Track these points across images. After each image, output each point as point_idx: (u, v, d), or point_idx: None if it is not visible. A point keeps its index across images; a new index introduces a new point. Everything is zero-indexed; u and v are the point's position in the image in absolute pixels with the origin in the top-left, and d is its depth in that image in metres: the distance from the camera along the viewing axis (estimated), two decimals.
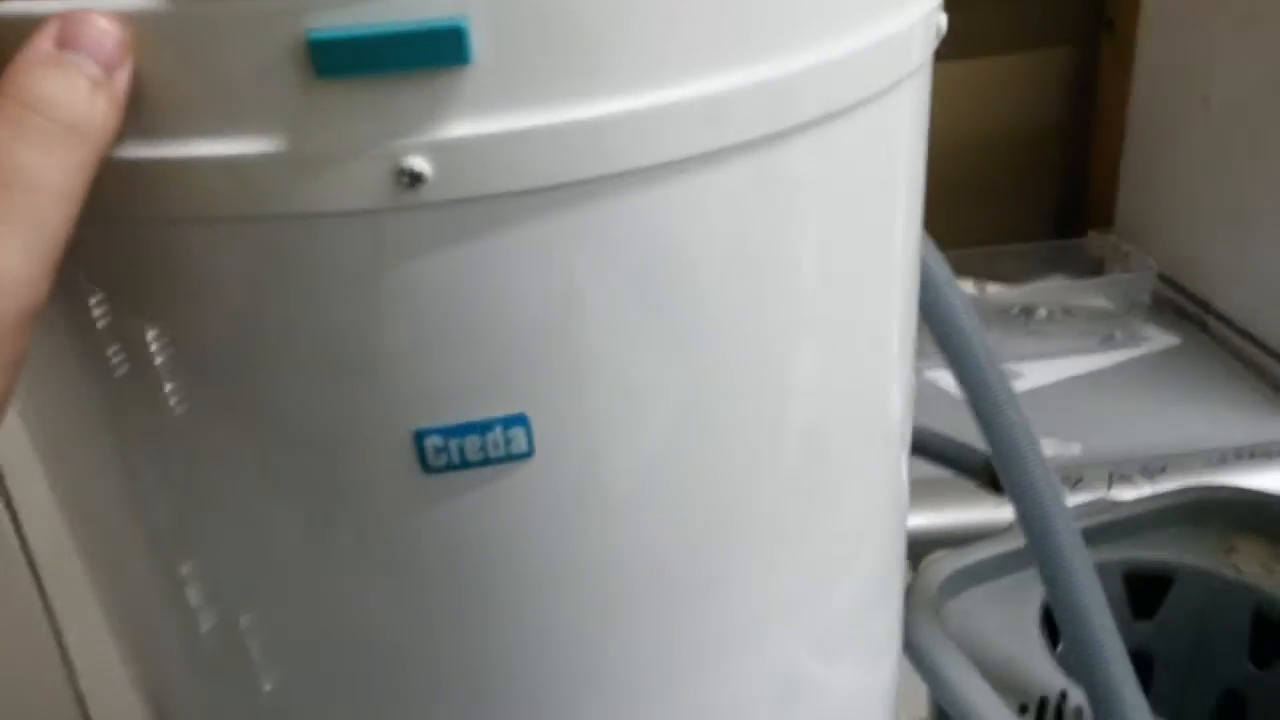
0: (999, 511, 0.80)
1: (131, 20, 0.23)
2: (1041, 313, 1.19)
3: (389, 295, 0.25)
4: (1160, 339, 1.14)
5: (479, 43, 0.23)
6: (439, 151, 0.23)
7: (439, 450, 0.27)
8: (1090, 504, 0.64)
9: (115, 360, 0.28)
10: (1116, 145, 1.33)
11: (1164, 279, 1.20)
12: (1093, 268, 1.30)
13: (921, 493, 0.93)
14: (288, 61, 0.22)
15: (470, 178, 0.24)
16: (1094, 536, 0.58)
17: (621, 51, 0.24)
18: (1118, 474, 0.95)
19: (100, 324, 0.27)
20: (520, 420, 0.27)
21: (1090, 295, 1.19)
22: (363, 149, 0.23)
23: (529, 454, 0.28)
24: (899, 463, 0.41)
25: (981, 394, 0.48)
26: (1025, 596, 0.59)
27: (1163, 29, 1.20)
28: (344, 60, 0.22)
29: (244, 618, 0.31)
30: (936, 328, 0.46)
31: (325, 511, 0.28)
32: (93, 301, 0.27)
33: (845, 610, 0.38)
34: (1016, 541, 0.59)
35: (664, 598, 0.31)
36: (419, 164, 0.23)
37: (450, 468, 0.27)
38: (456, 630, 0.29)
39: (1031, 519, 0.49)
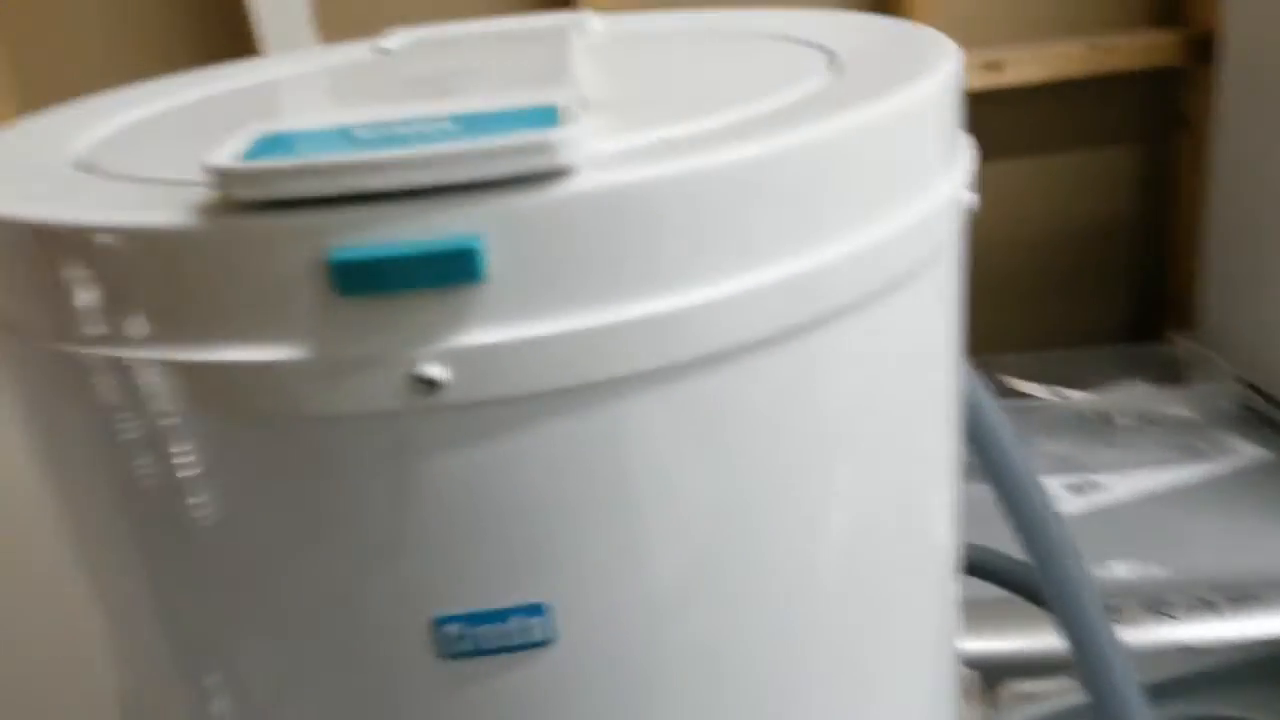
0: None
1: (170, 235, 0.24)
2: (1121, 421, 1.15)
3: (409, 489, 0.26)
4: (1248, 452, 1.09)
5: (491, 261, 0.24)
6: (455, 359, 0.24)
7: (457, 638, 0.27)
8: (1167, 652, 0.61)
9: (157, 528, 0.29)
10: (1194, 244, 1.30)
11: (1251, 387, 1.16)
12: (1173, 372, 1.26)
13: (990, 614, 0.90)
14: (311, 279, 0.23)
15: (485, 383, 0.24)
16: (1172, 689, 0.55)
17: (625, 266, 0.24)
18: (1202, 601, 0.91)
19: (143, 496, 0.28)
20: (538, 610, 0.27)
21: (1172, 404, 1.15)
22: (382, 358, 0.24)
23: (549, 642, 0.28)
24: (947, 588, 0.39)
25: (1023, 510, 0.46)
26: None
27: (1239, 125, 1.18)
28: (363, 280, 0.23)
29: None
30: (977, 448, 0.45)
31: (343, 692, 0.28)
32: (137, 474, 0.28)
33: None
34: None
35: None
36: (435, 371, 0.24)
37: (468, 654, 0.27)
38: None
39: (1077, 643, 0.47)
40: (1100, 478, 1.11)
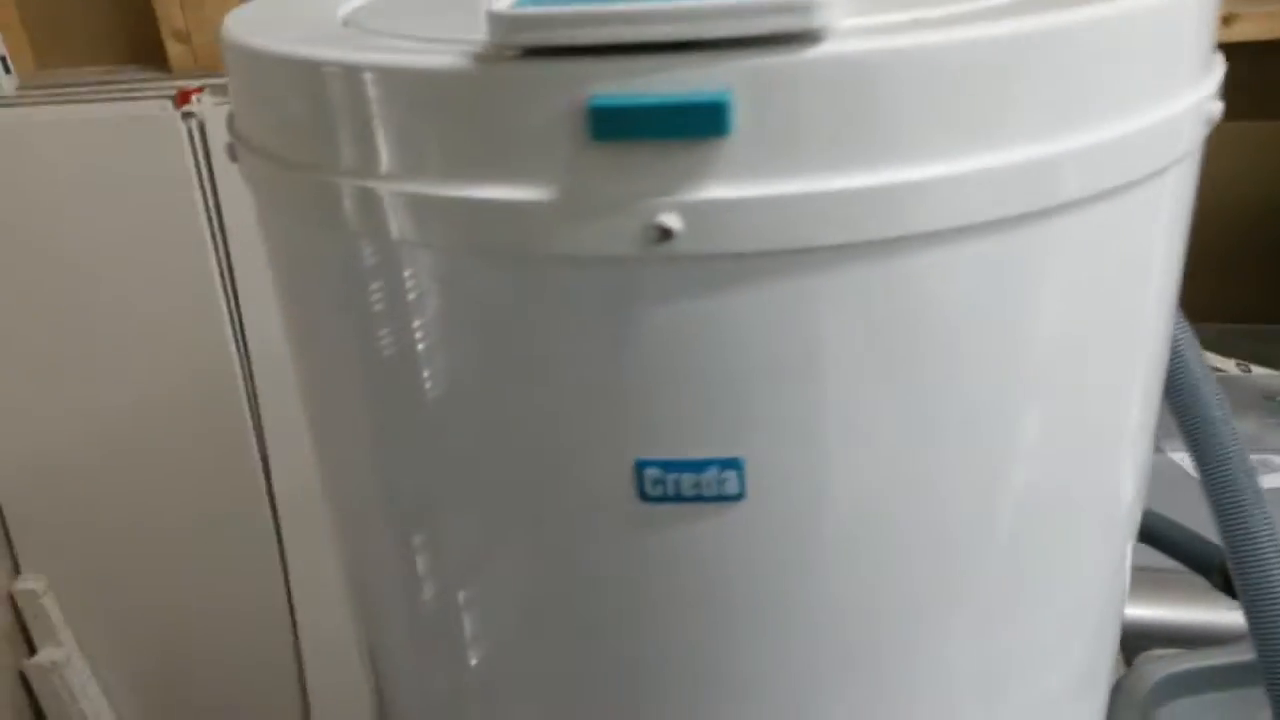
0: (1225, 615, 0.74)
1: (438, 77, 0.26)
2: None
3: (629, 333, 0.27)
4: None
5: (737, 117, 0.25)
6: (690, 211, 0.25)
7: (656, 482, 0.29)
8: None
9: (383, 358, 0.32)
10: None
11: None
12: None
13: (1143, 582, 0.88)
14: (570, 123, 0.25)
15: (716, 237, 0.26)
16: None
17: (864, 135, 0.25)
18: None
19: (374, 329, 0.31)
20: (735, 464, 0.29)
21: None
22: (623, 204, 0.26)
23: (741, 496, 0.29)
24: (1123, 549, 0.39)
25: (1224, 489, 0.45)
26: (1242, 713, 0.55)
27: None
28: (618, 126, 0.25)
29: (464, 608, 0.34)
30: (1183, 415, 0.44)
31: (548, 529, 0.31)
32: (374, 309, 0.30)
33: (1048, 695, 0.37)
34: (1241, 655, 0.55)
35: (865, 655, 0.32)
36: (671, 221, 0.25)
37: (666, 499, 0.29)
38: (657, 652, 0.31)
39: (1265, 630, 0.46)
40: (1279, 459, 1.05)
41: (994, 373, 0.29)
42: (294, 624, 1.44)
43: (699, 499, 0.29)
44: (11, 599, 1.43)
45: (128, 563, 1.46)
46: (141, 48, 1.35)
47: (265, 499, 1.36)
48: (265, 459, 1.35)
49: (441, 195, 0.27)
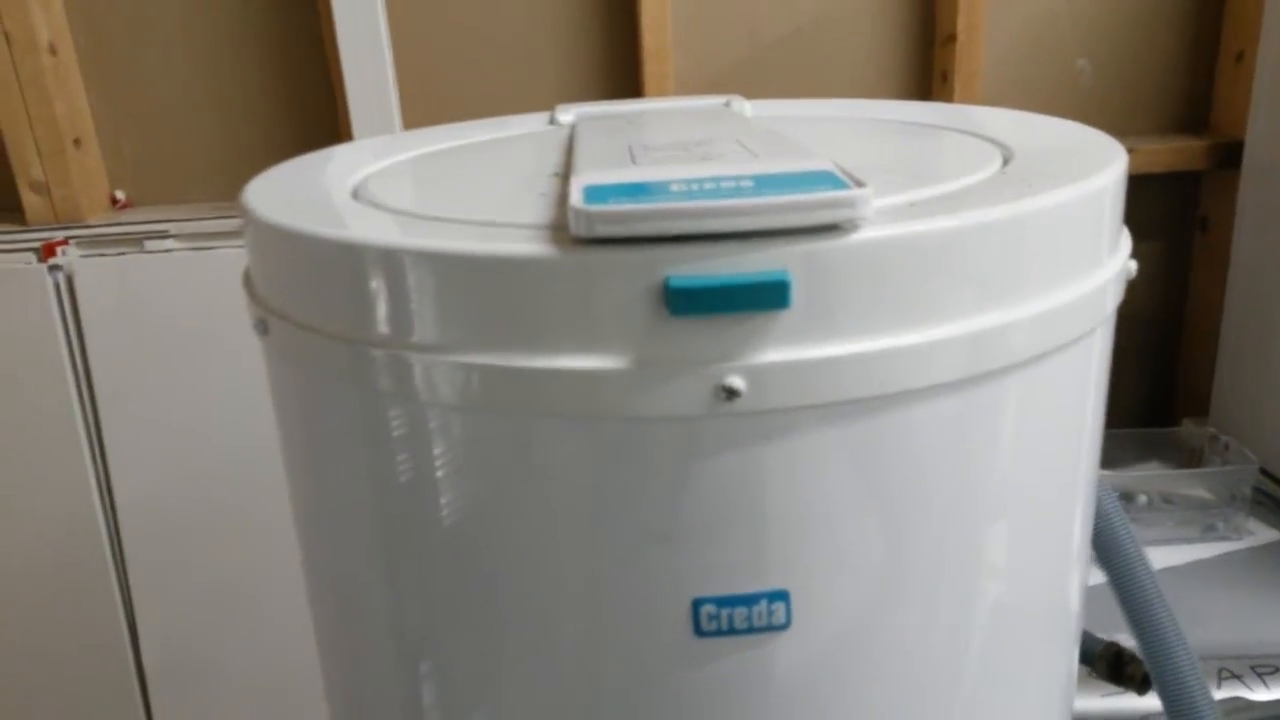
0: (1112, 701, 0.81)
1: (531, 262, 0.29)
2: (1142, 499, 1.20)
3: (691, 484, 0.30)
4: (1263, 533, 1.15)
5: (797, 292, 0.29)
6: (753, 374, 0.29)
7: (712, 617, 0.32)
8: (1228, 700, 0.65)
9: (439, 518, 0.33)
10: (1209, 338, 1.37)
11: (1264, 473, 1.22)
12: (1187, 457, 1.32)
13: None
14: (648, 300, 0.29)
15: (774, 394, 0.29)
16: None
17: (904, 303, 0.30)
18: (1227, 671, 0.95)
19: (436, 495, 0.33)
20: (782, 595, 0.32)
21: (1191, 485, 1.21)
22: (693, 370, 0.29)
23: (787, 625, 0.32)
24: (1073, 653, 0.44)
25: (1131, 590, 0.52)
26: None
27: (1257, 228, 1.26)
28: (693, 303, 0.28)
29: None
30: (1095, 533, 0.51)
31: (607, 661, 0.33)
32: (437, 475, 0.32)
33: None
34: None
35: None
36: (737, 382, 0.29)
37: (719, 633, 0.32)
38: None
39: (1176, 706, 0.52)
40: None
41: (984, 503, 0.34)
42: None
43: (750, 630, 0.32)
44: None
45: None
46: None
47: (133, 669, 1.27)
48: (132, 623, 1.26)
49: (520, 366, 0.30)
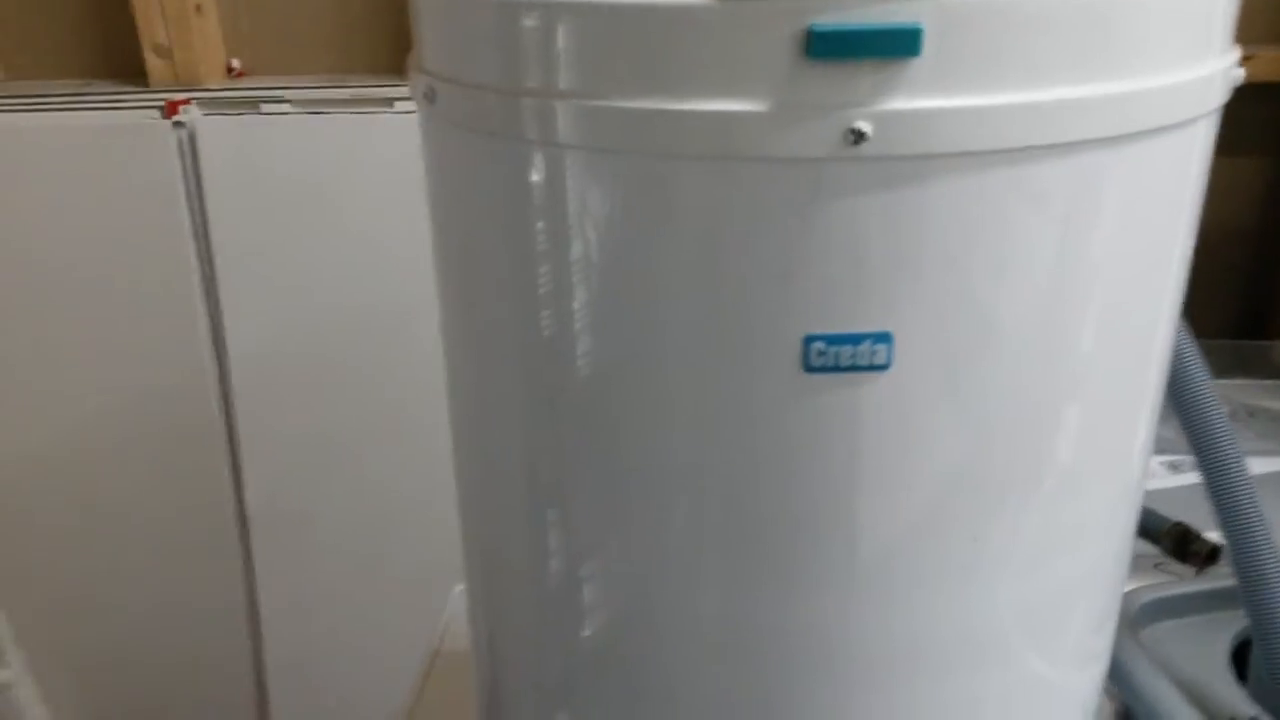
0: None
1: (682, 13, 0.32)
2: (1224, 409, 1.20)
3: (815, 226, 0.34)
4: None
5: (927, 42, 0.32)
6: (881, 119, 0.32)
7: (820, 353, 0.35)
8: None
9: (580, 256, 0.37)
10: None
11: None
12: (1275, 373, 1.31)
13: None
14: (789, 45, 0.32)
15: (901, 141, 0.32)
16: None
17: (1024, 62, 0.32)
18: None
19: (576, 234, 0.37)
20: (885, 338, 0.35)
21: (1276, 398, 1.20)
22: (825, 113, 0.32)
23: (888, 366, 0.36)
24: (1133, 514, 0.47)
25: (1203, 433, 0.54)
26: (1216, 634, 0.63)
27: None
28: (831, 46, 0.31)
29: (632, 479, 0.39)
30: (1175, 383, 0.53)
31: (722, 396, 0.37)
32: (577, 217, 0.36)
33: (1084, 621, 0.44)
34: (1213, 583, 0.63)
35: (968, 522, 0.39)
36: (865, 126, 0.32)
37: (826, 369, 0.35)
38: (814, 517, 0.37)
39: (1245, 558, 0.54)
40: None
41: (1078, 283, 0.37)
42: (257, 647, 1.43)
43: (854, 368, 0.36)
44: None
45: (81, 588, 1.43)
46: (114, 62, 1.36)
47: (234, 516, 1.36)
48: (237, 471, 1.35)
49: (663, 109, 0.33)
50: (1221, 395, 1.30)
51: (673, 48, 0.33)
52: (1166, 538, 0.84)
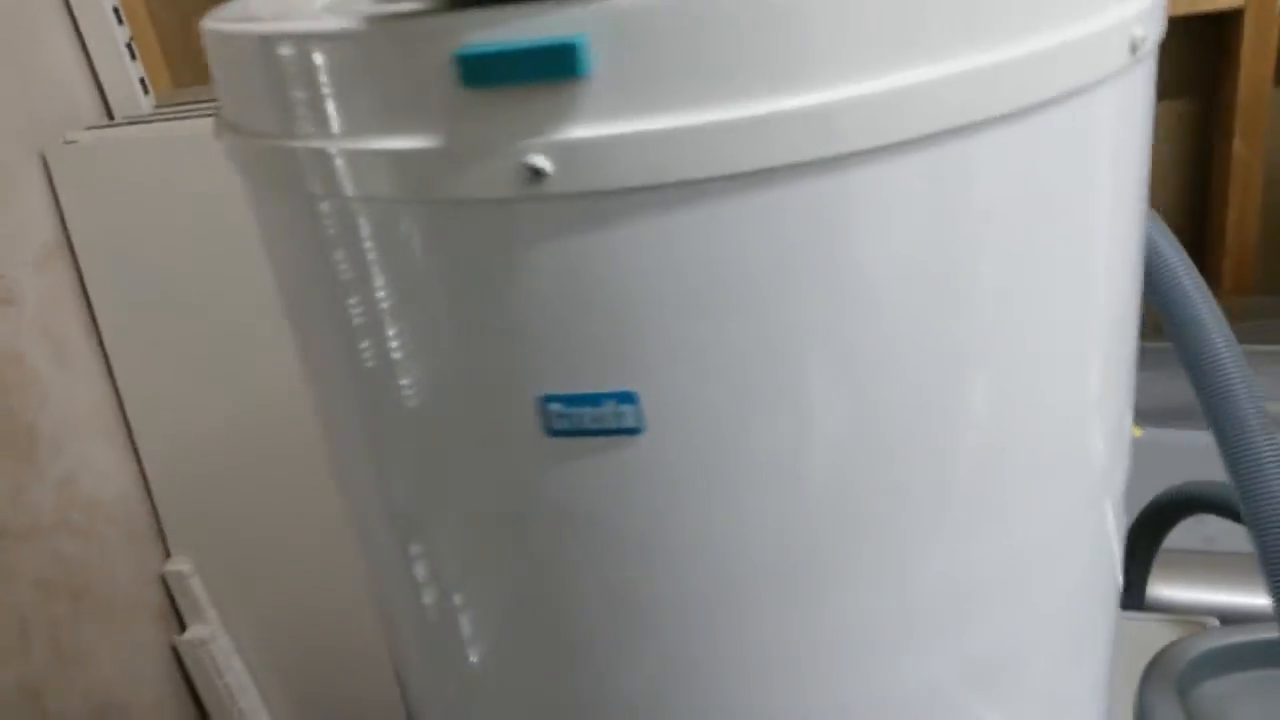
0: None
1: (327, 40, 0.28)
2: None
3: (517, 273, 0.29)
4: None
5: (598, 60, 0.26)
6: (559, 152, 0.27)
7: (560, 416, 0.31)
8: None
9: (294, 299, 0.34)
10: None
11: None
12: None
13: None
14: (446, 73, 0.27)
15: (585, 175, 0.27)
16: None
17: (716, 69, 0.26)
18: None
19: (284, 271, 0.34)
20: (630, 398, 0.30)
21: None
22: (496, 148, 0.27)
23: (639, 430, 0.30)
24: (1098, 513, 0.38)
25: (1212, 384, 0.43)
26: None
27: None
28: (482, 73, 0.27)
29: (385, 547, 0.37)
30: (1168, 317, 0.43)
31: (462, 458, 0.33)
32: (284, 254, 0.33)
33: (1020, 661, 0.37)
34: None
35: (772, 597, 0.32)
36: (540, 162, 0.27)
37: (569, 433, 0.31)
38: (564, 585, 0.33)
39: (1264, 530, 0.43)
40: None
41: (890, 308, 0.30)
42: None
43: (602, 432, 0.31)
44: (163, 580, 1.54)
45: (268, 549, 1.55)
46: None
47: None
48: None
49: (347, 149, 0.30)
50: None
51: (335, 81, 0.29)
52: None
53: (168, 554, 1.54)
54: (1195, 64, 1.09)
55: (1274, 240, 1.13)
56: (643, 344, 0.29)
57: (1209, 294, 0.44)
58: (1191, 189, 1.13)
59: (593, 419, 0.30)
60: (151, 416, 1.47)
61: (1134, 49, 0.31)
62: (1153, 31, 0.32)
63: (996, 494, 0.34)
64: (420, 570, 0.37)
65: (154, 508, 1.55)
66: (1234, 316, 1.23)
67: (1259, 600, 0.79)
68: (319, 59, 0.29)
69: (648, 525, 0.32)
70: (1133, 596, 0.76)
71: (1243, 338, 1.17)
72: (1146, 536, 0.73)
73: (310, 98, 0.30)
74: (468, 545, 0.35)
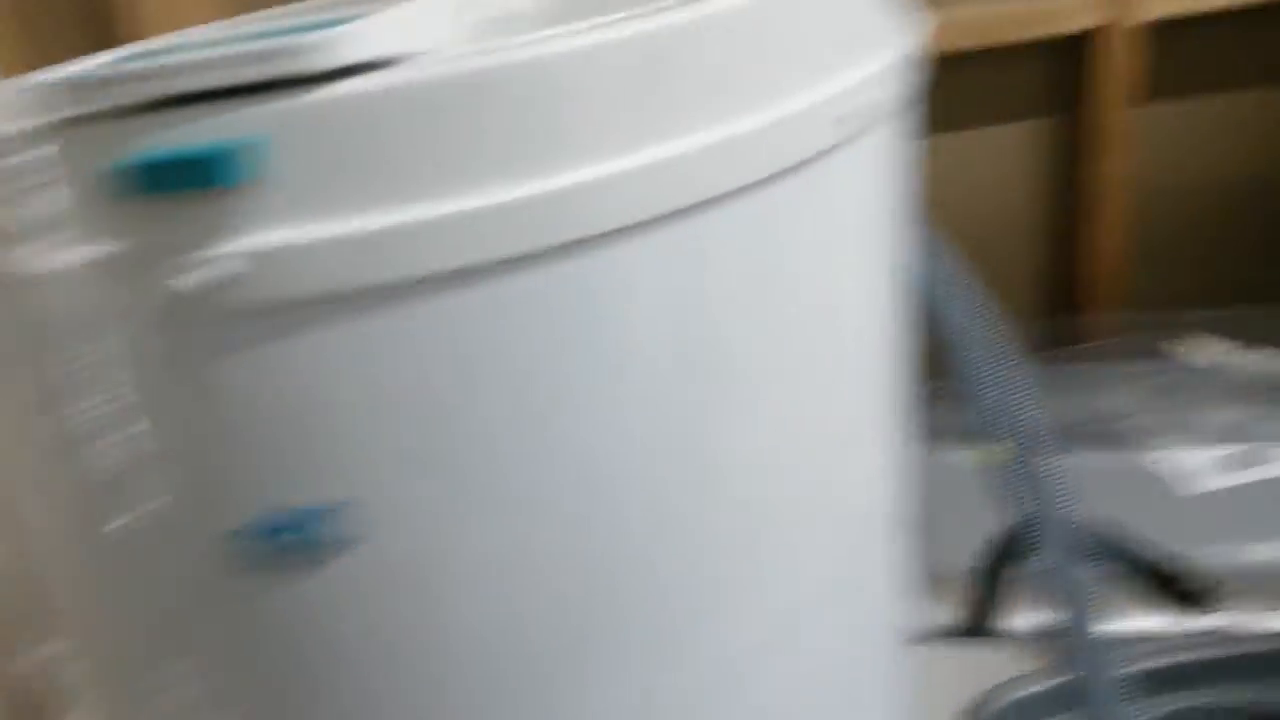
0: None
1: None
2: None
3: (214, 383, 0.27)
4: None
5: (276, 164, 0.25)
6: (239, 261, 0.25)
7: (274, 532, 0.29)
8: (1209, 633, 0.55)
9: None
10: None
11: None
12: None
13: None
14: (112, 181, 0.25)
15: (273, 282, 0.26)
16: (1212, 671, 0.50)
17: (396, 169, 0.25)
18: None
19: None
20: (344, 508, 0.29)
21: None
22: (172, 257, 0.26)
23: (351, 542, 0.29)
24: (864, 551, 0.38)
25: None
26: None
27: None
28: (146, 182, 0.25)
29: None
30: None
31: (154, 600, 0.31)
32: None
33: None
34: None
35: (510, 698, 0.31)
36: (220, 270, 0.26)
37: (273, 548, 0.29)
38: (292, 701, 0.31)
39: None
40: (1273, 449, 0.99)
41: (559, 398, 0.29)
42: None
43: (308, 547, 0.29)
44: None
45: None
46: None
47: None
48: None
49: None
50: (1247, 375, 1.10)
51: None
52: (1152, 573, 0.72)
53: None
54: (1056, 83, 1.11)
55: (1143, 256, 1.15)
56: (350, 451, 0.28)
57: (985, 320, 0.45)
58: (1060, 207, 1.15)
59: (299, 536, 0.29)
60: None
61: (840, 125, 0.31)
62: (862, 108, 0.31)
63: (749, 574, 0.33)
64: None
65: None
66: (1105, 332, 1.25)
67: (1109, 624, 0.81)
68: None
69: (372, 633, 0.30)
70: (983, 625, 0.77)
71: (1115, 353, 1.19)
72: (996, 565, 0.74)
73: None
74: (193, 672, 0.33)
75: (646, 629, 0.32)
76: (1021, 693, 0.52)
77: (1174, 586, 0.67)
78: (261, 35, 0.26)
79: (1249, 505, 0.92)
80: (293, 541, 0.29)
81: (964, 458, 1.08)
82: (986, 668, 0.61)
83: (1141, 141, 1.10)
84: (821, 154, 0.30)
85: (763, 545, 0.33)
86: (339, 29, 0.25)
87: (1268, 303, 1.09)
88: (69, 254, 0.27)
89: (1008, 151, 1.13)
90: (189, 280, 0.26)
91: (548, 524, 0.30)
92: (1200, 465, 0.99)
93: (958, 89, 1.10)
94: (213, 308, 0.26)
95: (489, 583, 0.30)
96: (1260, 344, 1.09)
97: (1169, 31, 1.05)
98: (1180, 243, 1.15)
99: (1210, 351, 1.08)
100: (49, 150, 0.26)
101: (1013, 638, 0.76)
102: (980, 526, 0.75)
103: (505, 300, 0.27)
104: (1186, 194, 1.14)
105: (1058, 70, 1.09)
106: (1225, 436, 1.01)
